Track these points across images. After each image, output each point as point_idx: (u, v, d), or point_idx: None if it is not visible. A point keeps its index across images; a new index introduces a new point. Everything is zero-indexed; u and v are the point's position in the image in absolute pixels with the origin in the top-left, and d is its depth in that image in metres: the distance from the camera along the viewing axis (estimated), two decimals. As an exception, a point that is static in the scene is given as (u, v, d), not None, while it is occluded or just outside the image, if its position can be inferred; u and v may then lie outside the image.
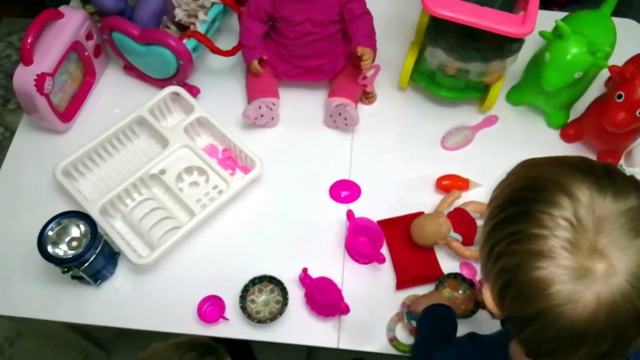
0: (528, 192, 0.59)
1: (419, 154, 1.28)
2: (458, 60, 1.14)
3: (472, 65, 1.17)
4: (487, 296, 0.64)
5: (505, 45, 1.14)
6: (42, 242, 0.95)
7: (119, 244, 1.05)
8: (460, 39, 1.15)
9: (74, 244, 0.99)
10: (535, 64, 1.25)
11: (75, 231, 0.99)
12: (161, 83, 1.27)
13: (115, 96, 1.32)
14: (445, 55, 1.14)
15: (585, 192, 0.56)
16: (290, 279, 1.08)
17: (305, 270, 1.06)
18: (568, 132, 1.31)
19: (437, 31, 1.15)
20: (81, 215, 0.99)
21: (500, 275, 0.60)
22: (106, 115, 1.26)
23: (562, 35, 1.13)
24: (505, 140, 1.31)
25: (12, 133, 1.28)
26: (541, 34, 1.17)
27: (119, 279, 1.10)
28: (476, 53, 1.14)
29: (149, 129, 1.22)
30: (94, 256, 0.99)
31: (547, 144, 1.32)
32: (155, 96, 1.22)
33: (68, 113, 1.24)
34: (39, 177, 1.18)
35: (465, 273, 1.09)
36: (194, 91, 1.28)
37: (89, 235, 0.98)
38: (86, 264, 0.99)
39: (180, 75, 1.24)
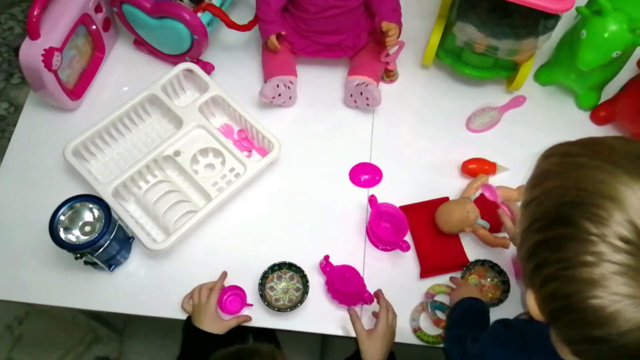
0: (577, 211, 0.53)
1: (442, 135, 1.23)
2: (489, 37, 1.08)
3: (503, 43, 1.10)
4: (532, 305, 0.59)
5: (540, 22, 1.07)
6: (54, 227, 0.91)
7: (133, 228, 1.01)
8: (492, 14, 1.08)
9: (87, 228, 0.95)
10: (569, 42, 1.18)
11: (89, 215, 0.95)
12: (174, 59, 1.21)
13: (125, 73, 1.26)
14: (476, 31, 1.08)
15: None
16: (309, 265, 1.05)
17: (327, 257, 1.02)
18: (599, 114, 1.25)
19: (468, 5, 1.08)
20: (94, 199, 0.95)
21: (551, 299, 0.55)
22: (116, 93, 1.21)
23: (601, 12, 1.06)
24: (533, 122, 1.25)
25: (17, 108, 1.23)
26: (578, 10, 1.10)
27: (133, 265, 1.06)
28: (509, 29, 1.07)
29: (161, 107, 1.17)
30: (108, 242, 0.95)
31: (577, 125, 1.26)
32: (167, 73, 1.16)
33: (77, 90, 1.19)
34: (48, 158, 1.13)
35: (487, 194, 1.04)
36: (208, 68, 1.22)
37: (103, 220, 0.94)
38: (100, 250, 0.95)
39: (194, 51, 1.17)
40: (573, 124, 1.26)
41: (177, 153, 1.11)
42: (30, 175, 1.13)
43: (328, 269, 1.02)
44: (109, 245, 0.96)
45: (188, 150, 1.11)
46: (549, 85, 1.30)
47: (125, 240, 1.04)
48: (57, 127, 1.18)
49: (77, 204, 0.95)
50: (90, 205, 0.94)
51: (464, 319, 0.92)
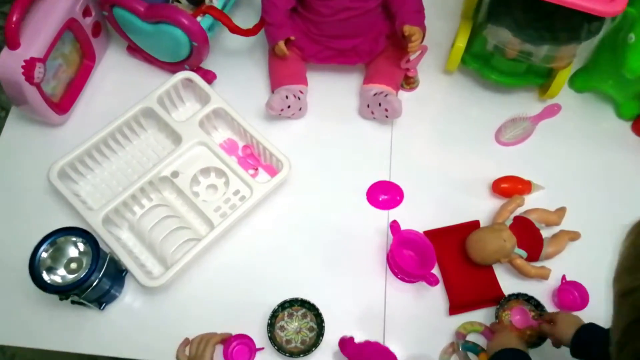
0: None
1: (470, 149, 1.10)
2: (526, 42, 0.95)
3: (540, 49, 0.98)
4: None
5: (583, 26, 0.95)
6: (34, 268, 0.80)
7: (126, 262, 0.89)
8: (528, 15, 0.96)
9: (73, 265, 0.84)
10: (611, 45, 1.06)
11: (73, 251, 0.84)
12: (172, 67, 1.10)
13: (118, 83, 1.14)
14: (511, 35, 0.95)
15: None
16: (324, 301, 0.93)
17: (347, 340, 0.86)
18: (641, 125, 1.13)
19: (502, 6, 0.96)
20: (79, 232, 0.83)
21: None
22: (109, 106, 1.09)
23: (654, 12, 0.93)
24: (568, 133, 1.14)
25: (8, 113, 1.11)
26: (626, 11, 0.97)
27: (127, 301, 0.95)
28: (548, 34, 0.95)
29: (158, 122, 1.05)
30: (97, 280, 0.84)
31: (617, 137, 1.14)
32: (164, 83, 1.04)
33: (64, 103, 1.07)
34: (31, 180, 1.02)
35: (518, 318, 0.94)
36: (209, 77, 1.10)
37: (91, 255, 0.83)
38: (88, 290, 0.84)
39: (193, 58, 1.06)
40: (612, 135, 1.14)
41: (175, 174, 0.99)
42: (11, 199, 1.02)
43: (350, 351, 0.85)
44: (98, 283, 0.85)
45: (188, 171, 0.99)
46: (586, 92, 1.18)
47: (117, 275, 0.93)
48: (42, 144, 1.06)
49: (61, 239, 0.83)
50: (75, 239, 0.83)
51: None
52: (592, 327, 0.81)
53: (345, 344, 0.86)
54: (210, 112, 1.03)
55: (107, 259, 0.86)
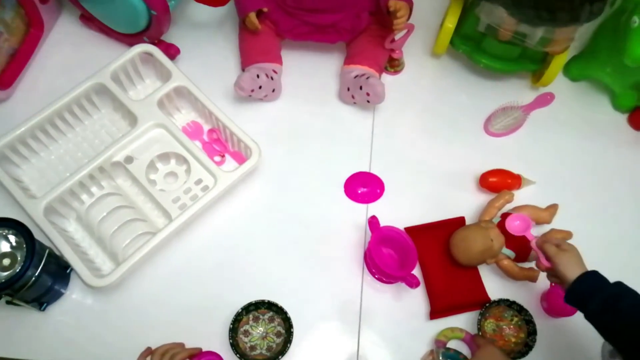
0: None
1: (457, 140, 1.02)
2: (523, 21, 0.86)
3: (537, 30, 0.89)
4: None
5: (585, 6, 0.86)
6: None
7: (68, 257, 0.79)
8: (526, -6, 0.87)
9: (6, 261, 0.73)
10: (610, 31, 0.99)
11: (5, 245, 0.73)
12: (130, 40, 0.98)
13: (70, 56, 1.03)
14: (506, 13, 0.86)
15: None
16: (294, 304, 0.84)
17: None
18: (638, 117, 1.06)
19: (497, -18, 0.87)
20: (11, 224, 0.72)
21: None
22: (58, 81, 0.98)
23: (662, -7, 0.85)
24: (561, 124, 1.06)
25: None
26: (631, -10, 0.89)
27: (73, 301, 0.85)
28: (546, 13, 0.86)
29: (113, 100, 0.94)
30: (34, 277, 0.74)
31: (612, 130, 1.07)
32: (120, 57, 0.93)
33: (5, 77, 0.95)
34: (-34, 162, 0.90)
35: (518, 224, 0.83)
36: (171, 51, 0.99)
37: (25, 249, 0.72)
38: (24, 289, 0.73)
39: (153, 29, 0.94)
40: (608, 126, 1.07)
41: (129, 159, 0.88)
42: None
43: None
44: (35, 281, 0.74)
45: (143, 156, 0.89)
46: (581, 80, 1.10)
47: (60, 271, 0.82)
48: (-20, 122, 0.94)
49: (-9, 231, 0.73)
50: (5, 231, 0.72)
51: None
52: (595, 276, 0.72)
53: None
54: (171, 90, 0.92)
55: (46, 254, 0.76)
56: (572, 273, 0.72)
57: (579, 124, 1.07)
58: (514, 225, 0.82)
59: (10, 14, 0.93)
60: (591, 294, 0.69)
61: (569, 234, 0.91)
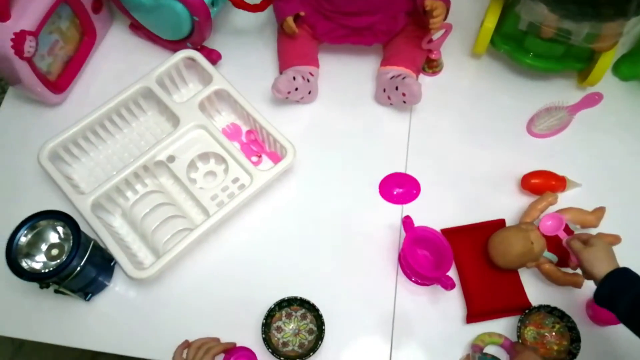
0: None
1: (497, 141, 1.00)
2: (565, 18, 0.84)
3: (581, 26, 0.86)
4: None
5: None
6: (11, 253, 0.74)
7: (113, 250, 0.83)
8: (568, -12, 0.84)
9: (55, 252, 0.78)
10: (664, 25, 0.93)
11: (54, 236, 0.78)
12: (174, 46, 1.03)
13: (120, 62, 1.08)
14: (547, 10, 0.84)
15: None
16: (326, 301, 0.84)
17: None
18: (697, 118, 1.00)
19: (537, -24, 0.85)
20: (60, 216, 0.77)
21: None
22: (109, 86, 1.02)
23: None
24: (610, 126, 1.02)
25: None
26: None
27: (117, 292, 0.88)
28: (590, 9, 0.83)
29: (158, 103, 0.99)
30: (79, 268, 0.78)
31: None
32: (164, 62, 0.97)
33: (61, 82, 1.02)
34: (24, 161, 0.97)
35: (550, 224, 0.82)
36: (213, 56, 1.03)
37: (71, 241, 0.76)
38: (69, 278, 0.78)
39: (195, 36, 0.98)
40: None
41: (171, 158, 0.92)
42: (2, 183, 0.97)
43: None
44: (80, 271, 0.78)
45: (184, 156, 0.92)
46: (632, 80, 1.05)
47: (104, 263, 0.87)
48: (37, 125, 1.01)
49: (43, 222, 0.78)
50: (55, 224, 0.77)
51: None
52: (625, 273, 0.68)
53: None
54: (211, 93, 0.95)
55: (91, 246, 0.80)
56: (599, 270, 0.68)
57: (629, 126, 1.02)
58: (546, 225, 0.80)
59: (66, 23, 0.99)
60: (620, 293, 0.65)
61: (617, 238, 0.86)
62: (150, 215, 0.90)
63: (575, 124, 1.00)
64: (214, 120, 0.99)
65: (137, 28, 1.07)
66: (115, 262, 0.88)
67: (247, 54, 1.07)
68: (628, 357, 0.81)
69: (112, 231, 0.88)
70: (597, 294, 0.68)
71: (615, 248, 0.87)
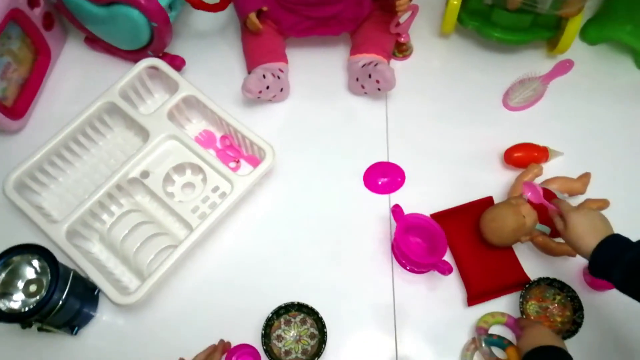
0: None
1: (476, 119, 0.99)
2: (531, -14, 0.83)
3: (548, -7, 0.85)
4: None
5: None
6: (-17, 295, 0.69)
7: (95, 278, 0.78)
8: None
9: (32, 288, 0.73)
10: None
11: (30, 271, 0.73)
12: (134, 56, 0.98)
13: (80, 79, 1.03)
14: (512, -19, 0.83)
15: None
16: (324, 303, 0.82)
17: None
18: (667, 74, 1.01)
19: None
20: (33, 249, 0.73)
21: None
22: (70, 105, 0.98)
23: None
24: (584, 91, 1.02)
25: None
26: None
27: (104, 322, 0.84)
28: (555, -26, 0.83)
29: (124, 118, 0.94)
30: (61, 301, 0.73)
31: (638, 91, 1.01)
32: (126, 74, 0.93)
33: (18, 107, 0.96)
34: (-12, 194, 0.91)
35: (530, 196, 0.80)
36: (177, 63, 0.99)
37: (49, 274, 0.72)
38: (52, 314, 0.73)
39: (156, 43, 0.94)
40: (633, 89, 1.02)
41: (144, 174, 0.88)
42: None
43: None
44: (63, 305, 0.74)
45: (159, 169, 0.88)
46: (600, 43, 1.06)
47: (87, 293, 0.82)
48: (-1, 154, 0.95)
49: (16, 258, 0.73)
50: (29, 258, 0.72)
51: None
52: (613, 242, 0.66)
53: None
54: (179, 101, 0.91)
55: (71, 276, 0.75)
56: (586, 246, 0.67)
57: (602, 89, 1.02)
58: (529, 196, 0.79)
59: (17, 43, 0.94)
60: (612, 262, 0.63)
61: (605, 202, 0.86)
62: (130, 236, 0.86)
63: (549, 93, 1.00)
64: (185, 129, 0.95)
65: (93, 41, 1.02)
66: (99, 290, 0.84)
67: (213, 57, 1.03)
68: (632, 316, 0.81)
69: (92, 258, 0.84)
70: (590, 269, 0.67)
71: (605, 212, 0.88)
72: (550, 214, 0.76)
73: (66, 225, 0.82)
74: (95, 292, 0.84)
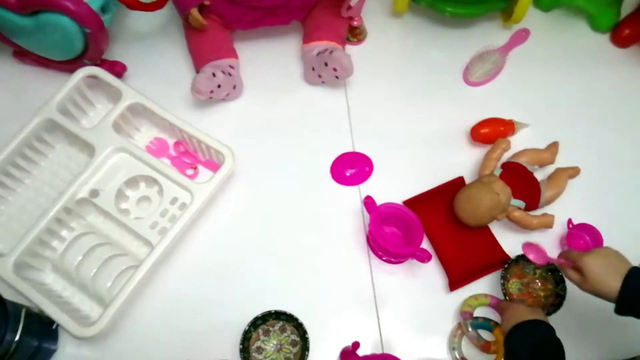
0: None
1: (438, 98, 0.96)
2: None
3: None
4: None
5: None
6: None
7: (50, 312, 0.72)
8: None
9: (-20, 332, 0.66)
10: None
11: (-26, 316, 0.66)
12: (70, 66, 0.91)
13: (10, 96, 0.95)
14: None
15: None
16: (302, 308, 0.78)
17: (348, 352, 0.71)
18: (622, 34, 1.01)
19: None
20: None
21: None
22: (4, 126, 0.89)
23: None
24: (543, 59, 1.01)
25: None
26: None
27: (67, 356, 0.77)
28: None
29: (65, 134, 0.87)
30: (14, 343, 0.67)
31: (597, 53, 1.02)
32: (62, 87, 0.85)
33: (-56, 134, 0.87)
34: None
35: (533, 257, 0.73)
36: (117, 69, 0.92)
37: (-1, 316, 0.65)
38: (7, 357, 0.67)
39: (92, 50, 0.87)
40: (591, 51, 1.02)
41: (94, 193, 0.81)
42: None
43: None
44: (18, 346, 0.68)
45: (109, 186, 0.82)
46: (554, 9, 1.04)
47: (45, 329, 0.75)
48: None
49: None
50: (-29, 302, 0.65)
51: None
52: (637, 276, 0.61)
53: (347, 356, 0.71)
54: (124, 110, 0.85)
55: (23, 314, 0.69)
56: (608, 289, 0.61)
57: (561, 55, 1.01)
58: (531, 258, 0.72)
59: None
60: None
61: (576, 170, 0.85)
62: (86, 261, 0.80)
63: (509, 64, 0.98)
64: (134, 139, 0.89)
65: (22, 54, 0.94)
66: (58, 325, 0.77)
67: (157, 59, 0.97)
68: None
69: (46, 290, 0.77)
70: (619, 310, 0.62)
71: (576, 180, 0.87)
72: (562, 270, 0.70)
73: (13, 258, 0.75)
74: (54, 326, 0.77)
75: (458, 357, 0.76)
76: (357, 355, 0.69)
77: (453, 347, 0.77)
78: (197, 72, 0.91)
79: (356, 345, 0.68)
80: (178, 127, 0.84)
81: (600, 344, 0.78)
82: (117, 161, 0.83)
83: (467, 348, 0.77)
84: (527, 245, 0.73)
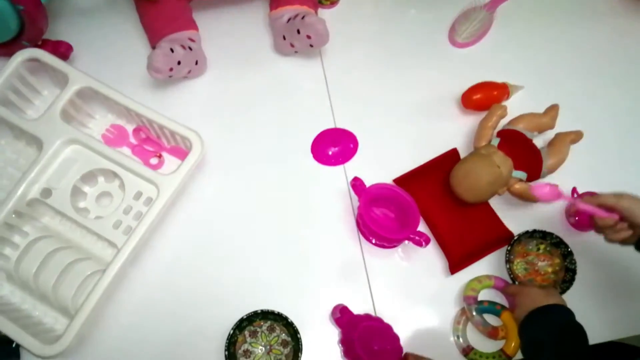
0: None
1: (423, 63, 0.88)
2: None
3: None
4: None
5: None
6: None
7: (6, 330, 0.63)
8: None
9: None
10: None
11: None
12: (5, 50, 0.79)
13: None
14: None
15: None
16: (291, 304, 0.71)
17: (342, 309, 0.68)
18: (615, -18, 0.92)
19: None
20: None
21: None
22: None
23: None
24: (533, 13, 0.94)
25: None
26: None
27: (30, 377, 0.69)
28: None
29: (9, 127, 0.76)
30: (-37, 372, 0.58)
31: (591, 2, 0.93)
32: (1, 73, 0.74)
33: None
34: None
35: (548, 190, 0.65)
36: (62, 50, 0.81)
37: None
38: (-46, 389, 0.58)
39: (29, 30, 0.76)
40: (585, 1, 0.93)
41: (46, 192, 0.72)
42: None
43: (346, 322, 0.68)
44: (-32, 375, 0.59)
45: (63, 183, 0.72)
46: (542, -42, 0.96)
47: (4, 348, 0.67)
48: None
49: None
50: None
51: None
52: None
53: (341, 313, 0.67)
54: (72, 96, 0.74)
55: (-28, 338, 0.60)
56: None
57: (552, 7, 0.93)
58: (544, 193, 0.65)
59: None
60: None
61: (578, 134, 0.79)
62: (45, 268, 0.71)
63: (497, 22, 0.90)
64: (88, 127, 0.79)
65: (-52, 39, 0.82)
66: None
67: (106, 36, 0.86)
68: (624, 256, 0.74)
69: (1, 304, 0.68)
70: None
71: (578, 145, 0.80)
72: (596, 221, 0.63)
73: (-45, 273, 0.66)
74: (14, 345, 0.68)
75: (463, 345, 0.70)
76: (350, 312, 0.66)
77: (457, 334, 0.71)
78: (153, 48, 0.80)
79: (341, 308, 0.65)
80: (136, 111, 0.74)
81: (621, 319, 0.73)
82: (69, 155, 0.73)
83: (472, 335, 0.71)
84: (537, 186, 0.65)
